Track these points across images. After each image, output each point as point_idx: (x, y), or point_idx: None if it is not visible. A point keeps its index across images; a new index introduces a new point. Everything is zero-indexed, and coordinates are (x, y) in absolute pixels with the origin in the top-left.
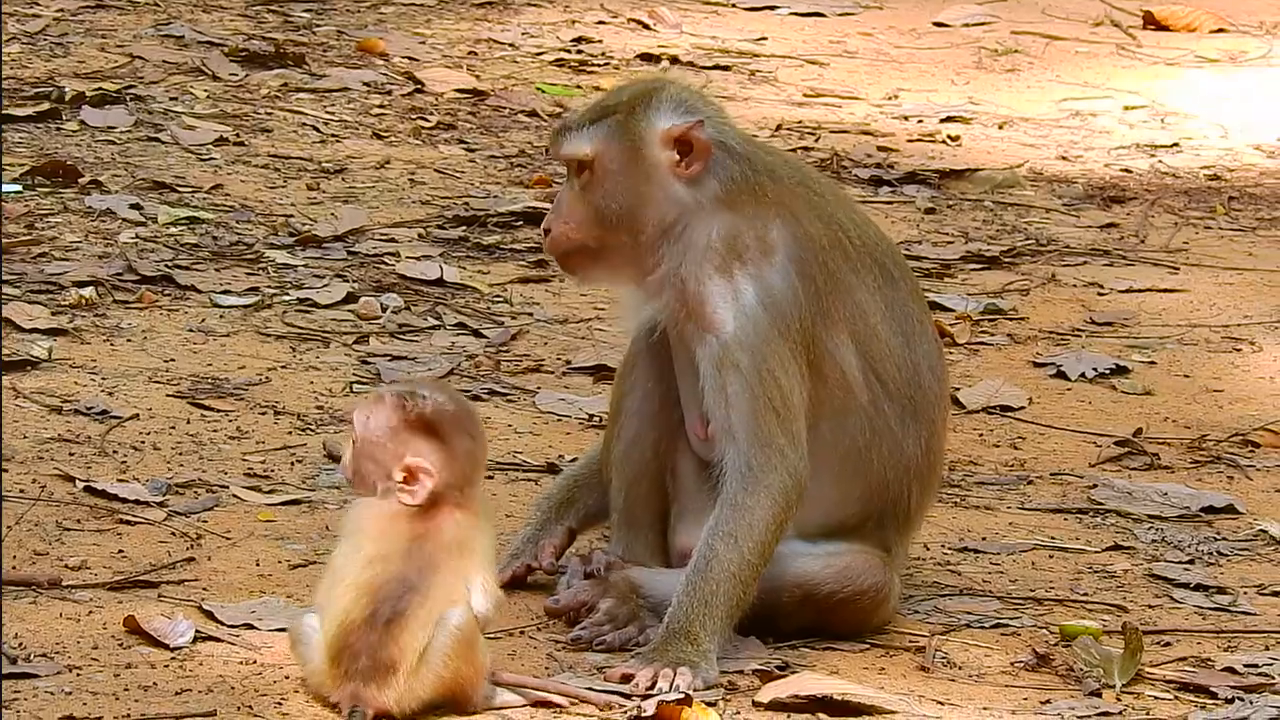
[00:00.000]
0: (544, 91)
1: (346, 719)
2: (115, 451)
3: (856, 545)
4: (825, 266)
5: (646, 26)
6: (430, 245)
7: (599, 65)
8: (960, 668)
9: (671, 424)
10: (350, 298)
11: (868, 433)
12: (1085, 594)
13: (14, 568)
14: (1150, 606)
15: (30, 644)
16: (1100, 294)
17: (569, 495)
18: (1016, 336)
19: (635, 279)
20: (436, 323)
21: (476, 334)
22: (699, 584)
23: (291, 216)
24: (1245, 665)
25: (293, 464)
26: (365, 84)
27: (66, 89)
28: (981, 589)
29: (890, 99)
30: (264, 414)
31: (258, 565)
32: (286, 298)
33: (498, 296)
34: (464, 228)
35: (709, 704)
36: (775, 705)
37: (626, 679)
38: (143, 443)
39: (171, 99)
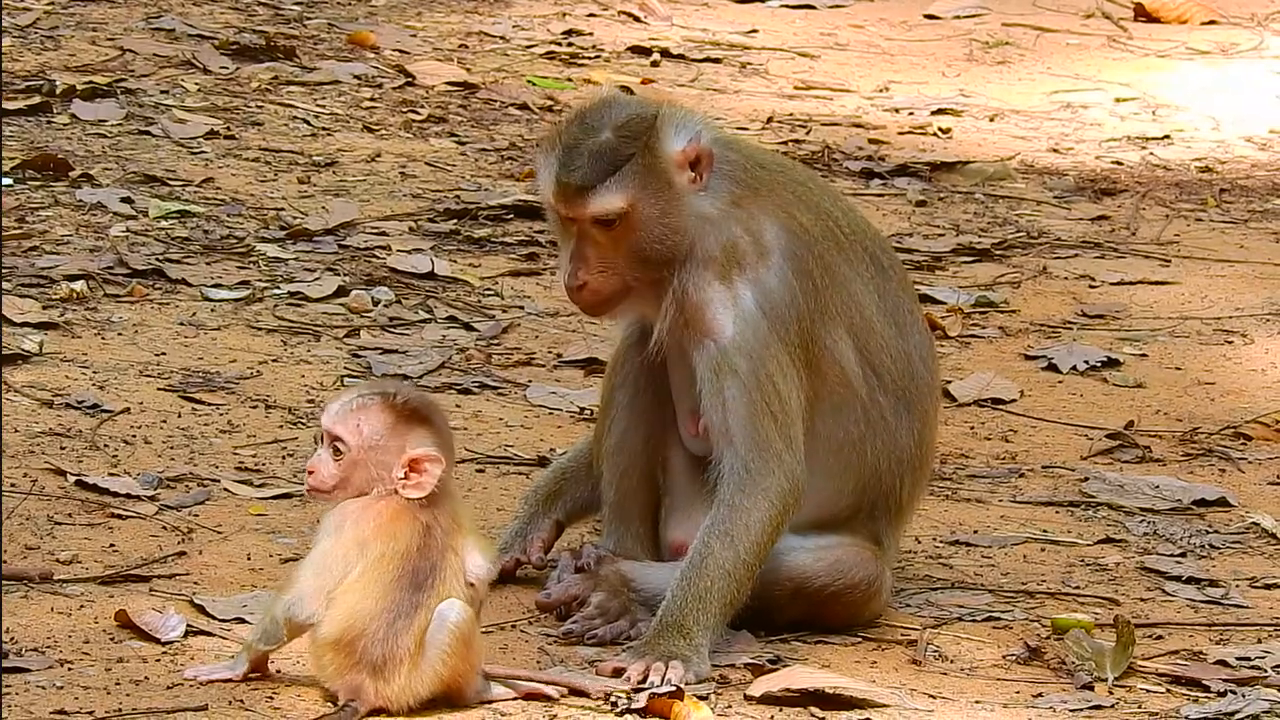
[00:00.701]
0: (535, 84)
1: (339, 710)
2: (106, 445)
3: (848, 538)
4: (821, 260)
5: (637, 19)
6: (421, 238)
7: (590, 58)
8: (952, 661)
9: (663, 419)
10: (341, 291)
11: (863, 425)
12: (1077, 587)
13: (5, 562)
14: (1142, 599)
15: (22, 638)
16: (1091, 286)
17: (556, 488)
18: (1008, 329)
19: (656, 306)
20: (427, 316)
21: (468, 327)
22: (694, 579)
23: (282, 210)
24: (1237, 658)
25: (284, 458)
26: (356, 77)
27: (57, 82)
28: (973, 582)
29: (881, 91)
30: (255, 408)
31: (249, 559)
32: (277, 291)
33: (489, 290)
34: (455, 221)
35: (701, 698)
36: (767, 699)
37: (618, 673)
38: (134, 436)
39: (162, 92)
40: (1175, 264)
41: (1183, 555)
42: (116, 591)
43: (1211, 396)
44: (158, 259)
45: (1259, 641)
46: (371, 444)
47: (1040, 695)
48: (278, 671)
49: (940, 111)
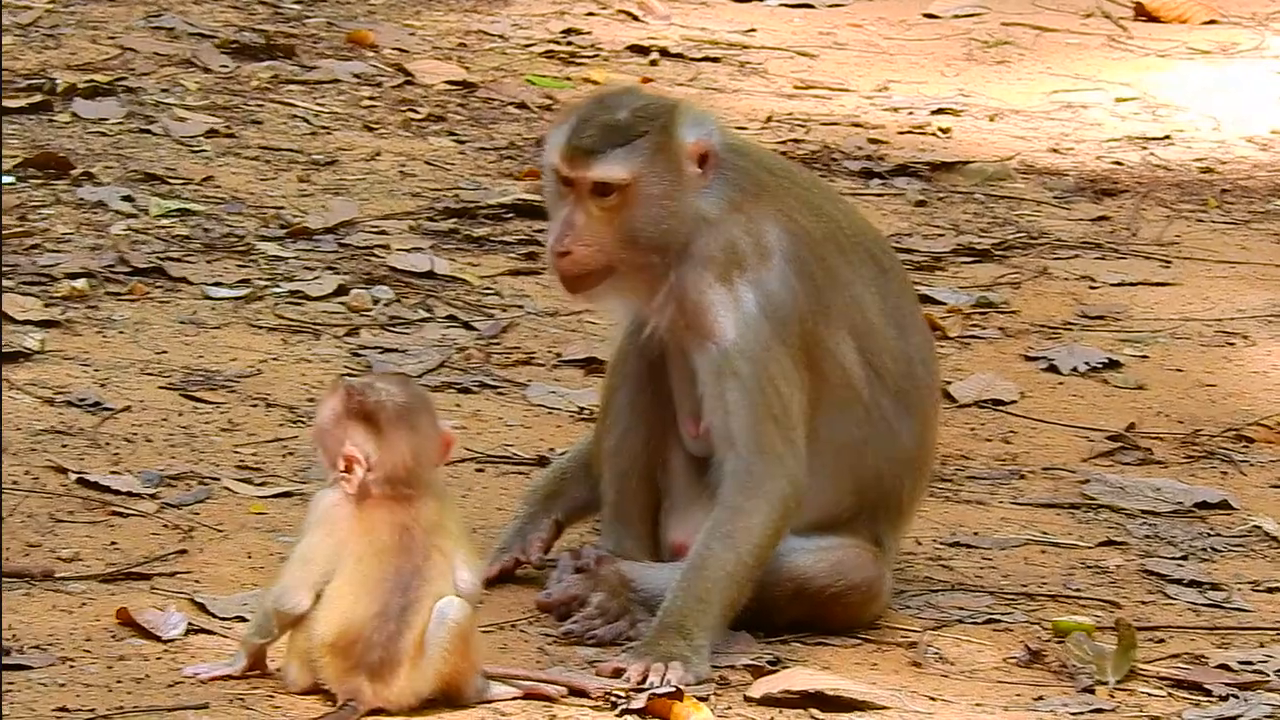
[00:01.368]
0: (534, 83)
1: (338, 710)
2: (107, 443)
3: (849, 540)
4: (823, 261)
5: (636, 18)
6: (421, 237)
7: (589, 57)
8: (952, 663)
9: (663, 419)
10: (341, 290)
11: (865, 427)
12: (1078, 590)
13: (7, 559)
14: (1143, 603)
15: (23, 636)
16: (1092, 287)
17: (555, 488)
18: (1008, 330)
19: (643, 296)
20: (427, 315)
21: (467, 326)
22: (694, 581)
23: (282, 208)
24: (1239, 662)
25: (284, 456)
26: (355, 76)
27: (58, 81)
28: (974, 584)
29: (880, 91)
30: (255, 406)
31: (249, 557)
32: (278, 290)
33: (488, 289)
34: (454, 220)
35: (700, 698)
36: (767, 700)
37: (618, 673)
38: (135, 435)
39: (163, 91)
40: (1176, 265)
41: (1184, 558)
42: (118, 589)
43: (1213, 398)
44: (158, 257)
45: (1261, 645)
46: (322, 430)
47: (1041, 698)
48: (277, 670)
49: (940, 111)
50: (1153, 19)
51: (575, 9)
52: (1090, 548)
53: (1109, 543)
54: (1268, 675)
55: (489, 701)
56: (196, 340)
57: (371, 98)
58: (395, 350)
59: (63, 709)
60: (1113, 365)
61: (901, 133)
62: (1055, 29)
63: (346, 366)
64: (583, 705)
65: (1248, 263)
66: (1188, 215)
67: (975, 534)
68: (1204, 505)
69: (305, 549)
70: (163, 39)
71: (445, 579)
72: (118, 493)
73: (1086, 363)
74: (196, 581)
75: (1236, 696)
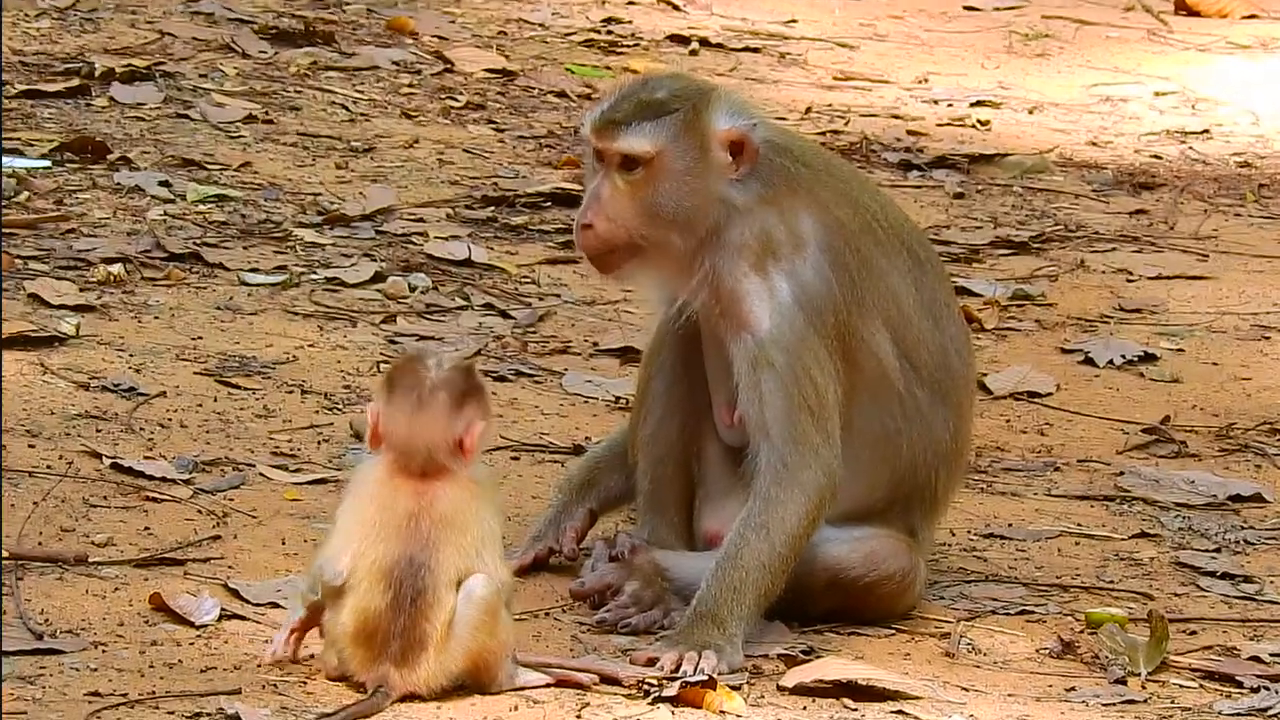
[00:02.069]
0: (573, 72)
1: (369, 697)
2: (142, 429)
3: (883, 530)
4: (858, 253)
5: (676, 8)
6: (458, 225)
7: (629, 46)
8: (985, 654)
9: (698, 408)
10: (378, 277)
11: (899, 418)
12: (1111, 581)
13: (40, 544)
14: (1176, 594)
15: (56, 620)
16: (1129, 281)
17: (590, 477)
18: (1045, 322)
19: (668, 277)
20: (464, 303)
21: (504, 315)
22: (729, 570)
23: (320, 195)
24: (1271, 654)
25: (319, 443)
26: (395, 63)
27: (96, 65)
28: (1007, 575)
29: (920, 83)
30: (291, 393)
31: (283, 544)
32: (314, 276)
33: (525, 277)
34: (492, 208)
35: (733, 687)
36: (800, 689)
37: (652, 662)
38: (170, 420)
39: (201, 76)
40: (1213, 259)
41: (1217, 551)
42: (151, 574)
43: (1248, 392)
44: (195, 243)
45: None
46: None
47: (1073, 689)
48: (311, 656)
49: (979, 103)
50: (1193, 13)
51: None
52: (1124, 540)
53: (1142, 535)
54: None
55: (521, 689)
56: (232, 326)
57: (411, 85)
58: (431, 338)
59: (95, 693)
60: (1148, 358)
61: (940, 125)
62: (1095, 22)
63: (383, 354)
64: (615, 693)
65: None
66: (1225, 209)
67: (1009, 525)
68: (1237, 498)
69: (341, 517)
70: (201, 24)
71: (457, 571)
72: (152, 478)
73: (1122, 355)
74: (230, 567)
75: (1268, 688)
